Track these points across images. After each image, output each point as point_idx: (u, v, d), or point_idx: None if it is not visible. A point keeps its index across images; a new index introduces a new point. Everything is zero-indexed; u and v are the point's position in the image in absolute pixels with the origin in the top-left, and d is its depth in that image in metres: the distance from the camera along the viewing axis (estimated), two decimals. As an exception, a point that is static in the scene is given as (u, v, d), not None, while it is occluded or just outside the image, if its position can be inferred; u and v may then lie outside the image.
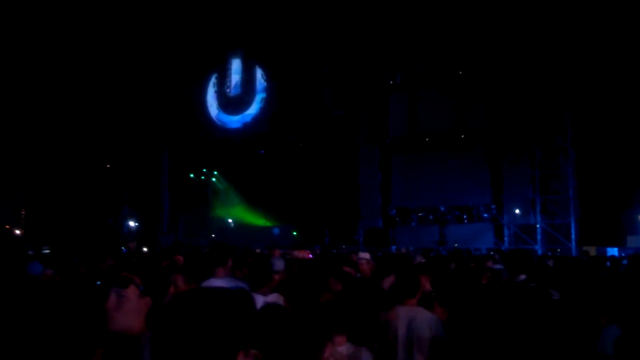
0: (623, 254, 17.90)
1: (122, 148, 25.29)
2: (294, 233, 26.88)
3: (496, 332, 3.16)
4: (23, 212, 25.18)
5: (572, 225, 22.52)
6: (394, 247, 21.24)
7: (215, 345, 1.34)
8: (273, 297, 4.04)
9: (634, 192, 21.40)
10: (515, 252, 10.93)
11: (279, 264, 5.61)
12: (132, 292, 2.71)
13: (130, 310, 2.73)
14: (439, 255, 12.41)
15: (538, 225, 23.11)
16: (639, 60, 19.77)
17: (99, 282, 2.81)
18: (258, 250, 12.02)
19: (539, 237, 22.95)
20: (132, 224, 25.74)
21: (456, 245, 21.79)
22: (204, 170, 28.37)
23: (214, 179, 28.73)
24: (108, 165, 25.70)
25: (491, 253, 13.94)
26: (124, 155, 25.45)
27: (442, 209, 24.13)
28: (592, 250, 18.15)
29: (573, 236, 22.39)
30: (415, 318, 3.72)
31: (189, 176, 28.02)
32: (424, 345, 3.65)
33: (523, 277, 5.24)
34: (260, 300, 3.88)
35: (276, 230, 26.63)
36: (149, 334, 2.64)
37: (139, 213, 25.92)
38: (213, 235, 26.68)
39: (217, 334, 1.36)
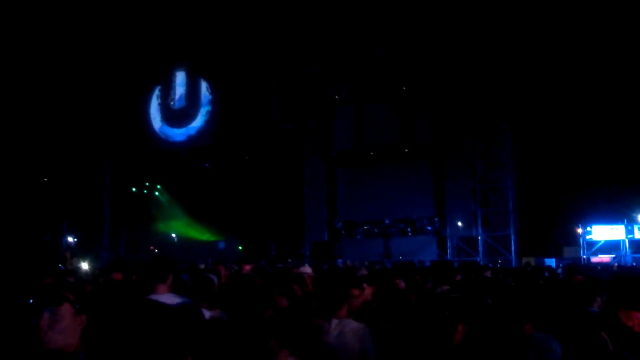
0: (560, 264, 18.58)
1: (61, 161, 24.49)
2: (240, 247, 26.60)
3: (411, 340, 3.22)
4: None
5: (512, 237, 23.20)
6: (339, 261, 21.31)
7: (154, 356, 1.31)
8: (217, 313, 3.98)
9: (570, 205, 22.25)
10: (438, 263, 11.16)
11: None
12: (66, 310, 2.62)
13: (64, 328, 2.64)
14: (384, 268, 12.52)
15: (479, 238, 23.70)
16: (578, 79, 20.65)
17: (31, 300, 2.71)
18: (202, 266, 11.83)
19: (480, 248, 23.53)
20: (70, 239, 24.89)
21: (401, 258, 22.05)
22: (147, 184, 27.79)
23: (157, 193, 28.17)
24: (45, 179, 24.81)
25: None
26: (63, 168, 24.63)
27: (387, 222, 24.40)
28: (532, 261, 18.74)
29: (513, 248, 23.06)
30: (344, 329, 3.75)
31: (132, 190, 27.39)
32: (353, 356, 3.68)
33: (445, 287, 5.36)
34: (206, 315, 3.82)
35: (221, 245, 26.25)
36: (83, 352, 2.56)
37: (78, 228, 25.07)
38: (156, 251, 26.10)
39: (155, 346, 1.32)
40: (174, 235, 27.37)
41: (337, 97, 26.03)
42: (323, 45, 23.56)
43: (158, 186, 27.97)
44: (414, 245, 23.78)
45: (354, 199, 25.22)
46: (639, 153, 20.28)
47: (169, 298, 4.04)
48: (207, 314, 3.88)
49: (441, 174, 24.46)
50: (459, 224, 23.92)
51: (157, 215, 27.48)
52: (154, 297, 4.14)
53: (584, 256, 22.07)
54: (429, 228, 24.37)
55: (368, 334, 3.83)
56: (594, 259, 21.72)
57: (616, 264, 18.83)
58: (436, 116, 24.43)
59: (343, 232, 25.45)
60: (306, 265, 8.63)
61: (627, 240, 22.34)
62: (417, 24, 22.27)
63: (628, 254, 22.07)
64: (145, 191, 27.81)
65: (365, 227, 25.04)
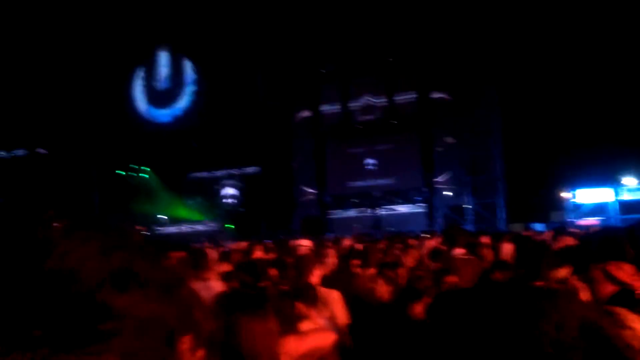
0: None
1: (46, 146, 24.27)
2: (231, 226, 26.53)
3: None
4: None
5: (501, 205, 23.39)
6: (330, 234, 21.35)
7: None
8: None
9: (557, 170, 22.40)
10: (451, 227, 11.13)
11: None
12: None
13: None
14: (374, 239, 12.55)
15: (468, 206, 23.86)
16: (562, 42, 20.69)
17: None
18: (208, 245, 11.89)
19: (469, 217, 23.70)
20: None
21: (391, 229, 22.10)
22: (134, 166, 27.56)
23: (144, 175, 27.97)
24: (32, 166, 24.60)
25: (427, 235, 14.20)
26: (49, 156, 24.42)
27: (376, 194, 24.51)
28: (521, 227, 18.81)
29: (501, 215, 23.25)
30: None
31: (118, 172, 27.16)
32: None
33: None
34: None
35: (211, 225, 26.07)
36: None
37: (67, 214, 24.78)
38: (149, 233, 25.96)
39: None
40: (164, 216, 27.25)
41: (323, 71, 25.89)
42: (307, 20, 23.36)
43: (145, 167, 27.75)
44: (403, 216, 23.93)
45: (342, 173, 25.28)
46: (625, 115, 20.40)
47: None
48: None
49: (429, 145, 24.55)
50: (448, 193, 24.06)
51: (146, 196, 27.32)
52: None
53: (570, 220, 22.19)
54: (418, 198, 24.51)
55: (340, 299, 3.91)
56: (580, 222, 21.81)
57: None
58: (423, 87, 24.46)
59: (333, 206, 25.52)
60: (303, 239, 8.62)
61: (617, 203, 22.47)
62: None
63: (616, 215, 22.22)
64: (132, 173, 27.59)
65: (354, 200, 25.14)
